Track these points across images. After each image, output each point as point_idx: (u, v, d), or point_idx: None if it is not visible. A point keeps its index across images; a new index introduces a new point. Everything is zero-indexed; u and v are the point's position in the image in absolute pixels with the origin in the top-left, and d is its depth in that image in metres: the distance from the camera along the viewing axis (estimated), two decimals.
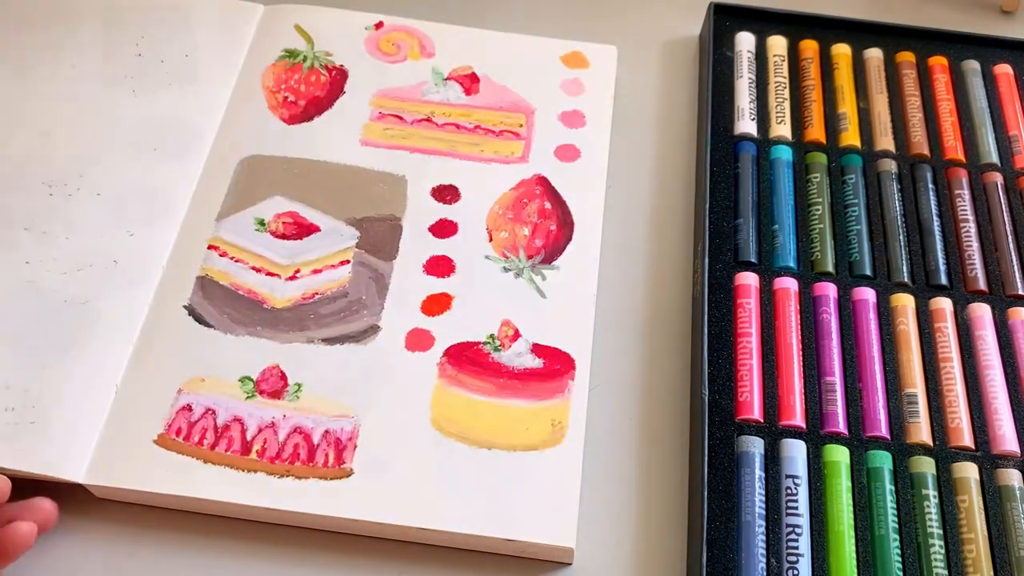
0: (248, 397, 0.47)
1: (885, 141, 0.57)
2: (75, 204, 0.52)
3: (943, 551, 0.44)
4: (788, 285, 0.52)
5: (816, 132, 0.57)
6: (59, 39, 0.58)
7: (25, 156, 0.53)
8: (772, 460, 0.46)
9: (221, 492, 0.44)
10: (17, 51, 0.58)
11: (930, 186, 0.56)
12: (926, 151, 0.57)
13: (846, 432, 0.47)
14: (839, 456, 0.46)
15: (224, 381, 0.47)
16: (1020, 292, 0.52)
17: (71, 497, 0.45)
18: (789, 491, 0.45)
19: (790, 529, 0.44)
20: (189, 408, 0.46)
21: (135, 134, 0.55)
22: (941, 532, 0.44)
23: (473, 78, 0.59)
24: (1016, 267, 0.53)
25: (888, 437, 0.47)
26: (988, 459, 0.47)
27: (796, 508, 0.45)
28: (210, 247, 0.51)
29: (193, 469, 0.44)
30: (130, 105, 0.56)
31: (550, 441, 0.46)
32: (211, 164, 0.54)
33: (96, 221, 0.51)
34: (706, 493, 0.44)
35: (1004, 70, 0.61)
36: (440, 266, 0.51)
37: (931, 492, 0.45)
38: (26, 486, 0.44)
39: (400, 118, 0.57)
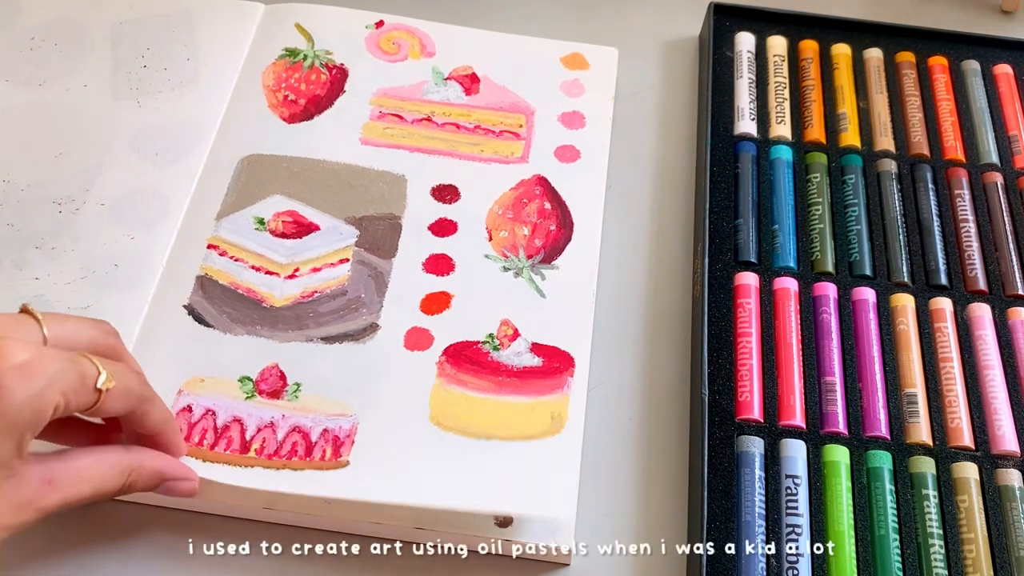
0: (248, 397, 0.46)
1: (885, 141, 0.57)
2: (81, 217, 0.52)
3: (943, 551, 0.44)
4: (788, 285, 0.51)
5: (816, 132, 0.57)
6: (72, 58, 0.58)
7: (39, 178, 0.53)
8: (772, 460, 0.46)
9: (217, 476, 0.43)
10: (32, 70, 0.57)
11: (930, 186, 0.56)
12: (926, 151, 0.57)
13: (846, 432, 0.47)
14: (839, 456, 0.46)
15: (224, 381, 0.47)
16: (1020, 292, 0.52)
17: None
18: (789, 491, 0.45)
19: (790, 529, 0.44)
20: (189, 409, 0.46)
21: (138, 141, 0.55)
22: (941, 532, 0.44)
23: (473, 78, 0.59)
24: (1016, 267, 0.53)
25: (888, 437, 0.47)
26: (988, 459, 0.46)
27: (796, 508, 0.45)
28: (210, 246, 0.51)
29: (192, 467, 0.44)
30: (135, 115, 0.56)
31: (549, 431, 0.46)
32: (211, 164, 0.54)
33: (100, 230, 0.51)
34: (706, 493, 0.44)
35: (1004, 70, 0.61)
36: (440, 265, 0.51)
37: (931, 492, 0.45)
38: None
39: (400, 117, 0.57)
